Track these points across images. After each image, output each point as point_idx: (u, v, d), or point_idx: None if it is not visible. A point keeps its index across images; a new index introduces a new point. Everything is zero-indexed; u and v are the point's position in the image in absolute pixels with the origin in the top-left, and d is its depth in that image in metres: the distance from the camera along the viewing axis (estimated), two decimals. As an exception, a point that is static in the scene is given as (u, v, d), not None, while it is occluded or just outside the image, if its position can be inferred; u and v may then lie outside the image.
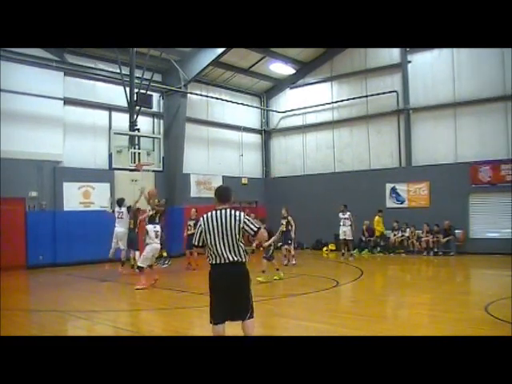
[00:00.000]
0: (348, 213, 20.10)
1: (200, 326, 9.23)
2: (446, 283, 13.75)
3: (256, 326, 8.74)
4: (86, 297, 12.28)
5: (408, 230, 21.63)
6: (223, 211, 5.71)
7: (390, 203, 22.96)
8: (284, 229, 17.28)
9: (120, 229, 16.50)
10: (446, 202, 20.69)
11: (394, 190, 23.02)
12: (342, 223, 20.20)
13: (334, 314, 9.70)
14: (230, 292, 5.57)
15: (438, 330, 8.15)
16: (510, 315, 8.43)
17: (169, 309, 10.64)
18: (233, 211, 5.73)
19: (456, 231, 20.41)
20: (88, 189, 19.76)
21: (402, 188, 22.80)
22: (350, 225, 20.02)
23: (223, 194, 5.96)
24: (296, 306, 10.72)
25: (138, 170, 18.74)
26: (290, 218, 17.58)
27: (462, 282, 14.76)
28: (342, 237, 20.36)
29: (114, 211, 16.96)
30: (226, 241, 5.57)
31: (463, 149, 21.18)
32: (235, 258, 5.58)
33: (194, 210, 17.91)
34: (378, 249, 22.25)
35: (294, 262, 17.91)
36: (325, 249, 24.03)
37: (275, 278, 13.87)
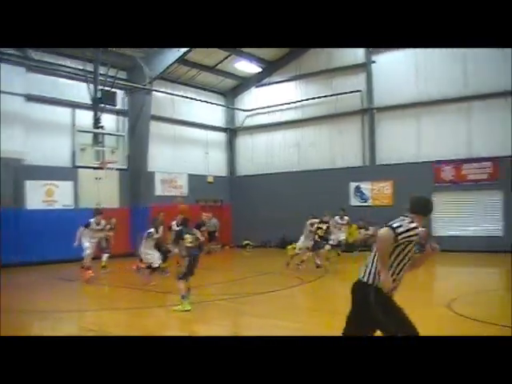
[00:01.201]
0: (346, 218, 18.62)
1: (168, 325, 9.21)
2: (409, 280, 13.88)
3: (223, 325, 8.79)
4: (52, 296, 12.07)
5: (371, 228, 21.80)
6: None
7: (355, 202, 23.21)
8: (322, 234, 16.27)
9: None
10: (409, 200, 20.90)
11: (358, 188, 23.27)
12: (338, 228, 18.15)
13: (299, 312, 9.74)
14: None
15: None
16: (472, 312, 8.61)
17: (135, 308, 10.54)
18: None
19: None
20: (51, 187, 19.40)
21: (366, 187, 23.06)
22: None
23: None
24: (263, 304, 10.71)
25: (102, 168, 18.56)
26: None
27: (426, 279, 14.96)
28: (334, 243, 17.58)
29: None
30: None
31: (426, 148, 21.53)
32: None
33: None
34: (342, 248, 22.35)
35: (318, 263, 16.21)
36: (289, 247, 24.09)
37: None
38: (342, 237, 18.36)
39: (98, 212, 15.40)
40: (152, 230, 13.62)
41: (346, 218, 18.57)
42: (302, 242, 16.42)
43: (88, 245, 14.72)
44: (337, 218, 18.26)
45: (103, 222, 15.41)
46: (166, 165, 24.35)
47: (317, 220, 16.35)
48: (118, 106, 21.72)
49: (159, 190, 23.70)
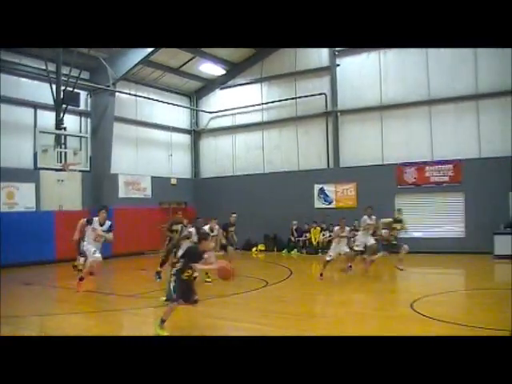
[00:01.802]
0: (374, 217, 15.29)
1: (129, 328, 9.07)
2: (373, 281, 14.04)
3: (186, 327, 8.69)
4: (10, 300, 11.76)
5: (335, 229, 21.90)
6: None
7: (318, 204, 23.34)
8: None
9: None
10: (373, 202, 21.10)
11: (322, 190, 23.40)
12: (363, 230, 15.29)
13: (263, 314, 9.71)
14: None
15: (367, 327, 8.34)
16: (435, 312, 8.76)
17: (97, 312, 10.37)
18: None
19: (383, 231, 20.89)
20: (11, 189, 18.95)
21: (329, 189, 23.20)
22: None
23: None
24: (227, 307, 10.67)
25: (65, 170, 18.26)
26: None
27: (389, 280, 15.12)
28: (360, 248, 15.27)
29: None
30: None
31: (390, 150, 21.82)
32: None
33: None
34: (307, 249, 22.49)
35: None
36: (254, 249, 24.14)
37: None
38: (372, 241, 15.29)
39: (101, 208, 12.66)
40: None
41: (373, 217, 15.24)
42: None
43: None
44: (365, 218, 15.17)
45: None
46: (129, 167, 24.08)
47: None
48: (81, 107, 21.43)
49: (122, 192, 23.42)
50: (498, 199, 19.09)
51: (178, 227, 13.91)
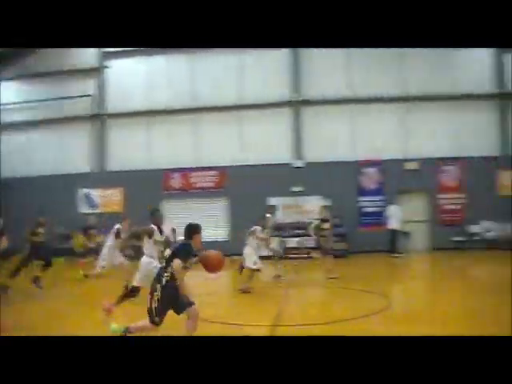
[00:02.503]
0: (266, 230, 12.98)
1: None
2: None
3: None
4: None
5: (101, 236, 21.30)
6: None
7: (83, 209, 22.45)
8: None
9: None
10: (140, 207, 20.91)
11: (87, 195, 22.59)
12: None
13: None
14: None
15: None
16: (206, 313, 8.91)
17: None
18: None
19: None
20: None
21: (95, 193, 22.48)
22: None
23: None
24: None
25: None
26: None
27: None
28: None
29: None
30: None
31: (157, 156, 21.89)
32: None
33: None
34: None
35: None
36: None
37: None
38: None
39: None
40: None
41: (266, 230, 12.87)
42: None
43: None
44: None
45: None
46: None
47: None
48: None
49: None
50: (257, 204, 20.32)
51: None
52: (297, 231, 20.11)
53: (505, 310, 7.93)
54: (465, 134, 20.85)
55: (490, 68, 21.44)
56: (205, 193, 21.33)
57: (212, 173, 21.32)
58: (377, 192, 20.81)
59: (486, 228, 20.49)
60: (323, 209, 14.98)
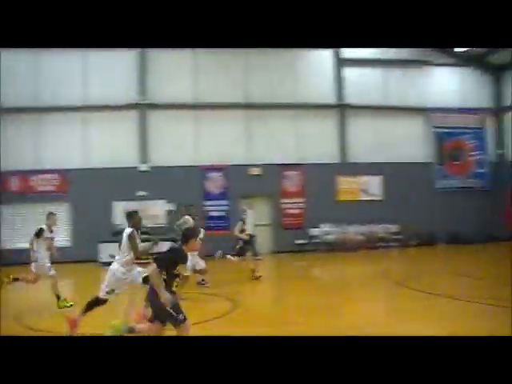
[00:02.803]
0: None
1: None
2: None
3: None
4: None
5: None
6: None
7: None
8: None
9: None
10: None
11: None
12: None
13: None
14: None
15: None
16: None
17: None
18: None
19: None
20: None
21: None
22: None
23: None
24: None
25: None
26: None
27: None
28: None
29: None
30: None
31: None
32: None
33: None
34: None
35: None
36: None
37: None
38: None
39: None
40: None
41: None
42: None
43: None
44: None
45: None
46: None
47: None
48: None
49: None
50: (102, 209, 19.89)
51: None
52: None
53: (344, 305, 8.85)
54: (306, 142, 21.86)
55: (331, 81, 22.70)
56: (46, 197, 20.30)
57: (53, 176, 20.46)
58: (221, 196, 21.13)
59: (325, 231, 21.60)
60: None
